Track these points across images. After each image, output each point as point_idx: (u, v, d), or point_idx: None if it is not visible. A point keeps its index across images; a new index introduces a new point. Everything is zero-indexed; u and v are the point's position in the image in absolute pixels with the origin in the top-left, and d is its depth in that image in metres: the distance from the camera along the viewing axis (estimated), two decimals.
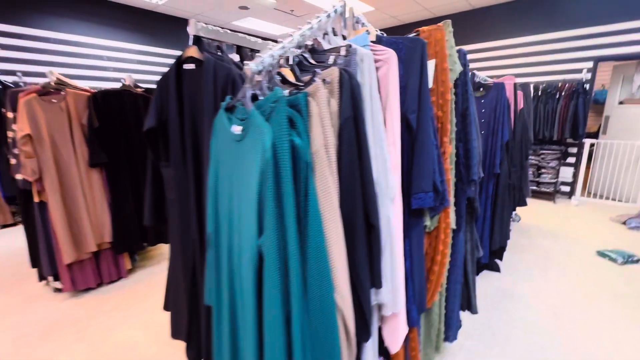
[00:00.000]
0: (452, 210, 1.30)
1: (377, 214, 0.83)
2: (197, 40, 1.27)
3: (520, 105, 2.83)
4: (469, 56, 5.63)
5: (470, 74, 2.58)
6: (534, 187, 4.81)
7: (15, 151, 2.16)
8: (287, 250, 0.73)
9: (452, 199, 1.31)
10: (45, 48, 4.37)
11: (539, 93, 4.54)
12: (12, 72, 4.06)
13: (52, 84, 2.22)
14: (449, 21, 1.32)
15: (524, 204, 3.53)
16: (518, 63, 5.03)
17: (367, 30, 0.99)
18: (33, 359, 1.76)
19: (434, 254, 1.27)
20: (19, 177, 2.16)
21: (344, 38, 1.10)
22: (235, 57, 1.42)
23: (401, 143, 1.07)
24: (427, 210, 1.17)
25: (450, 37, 1.31)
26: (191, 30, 1.24)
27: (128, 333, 1.98)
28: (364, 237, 0.83)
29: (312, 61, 0.94)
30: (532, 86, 4.49)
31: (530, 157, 4.76)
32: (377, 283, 0.88)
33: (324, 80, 0.80)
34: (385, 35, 1.20)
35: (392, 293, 0.97)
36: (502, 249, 2.69)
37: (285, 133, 0.71)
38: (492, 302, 2.24)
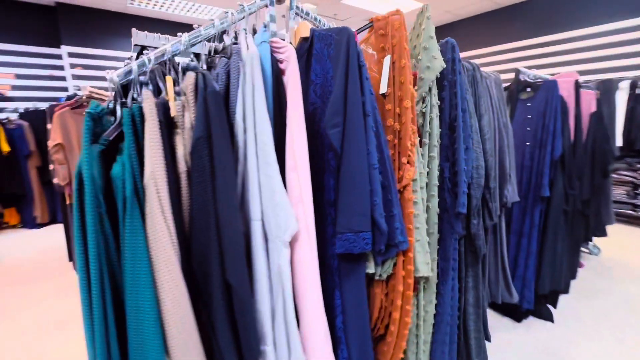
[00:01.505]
0: (422, 252, 0.98)
1: (237, 267, 0.62)
2: (143, 50, 1.21)
3: (591, 108, 2.19)
4: (541, 50, 4.76)
5: (517, 71, 2.08)
6: (629, 211, 3.78)
7: (53, 158, 2.44)
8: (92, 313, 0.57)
9: (422, 238, 0.99)
10: (120, 67, 5.00)
11: (636, 91, 3.55)
12: None
13: (85, 97, 2.45)
14: (427, 5, 1.02)
15: (603, 233, 2.77)
16: (604, 55, 4.03)
17: (264, 25, 0.78)
18: (39, 349, 1.92)
19: (392, 309, 0.97)
20: (55, 181, 2.43)
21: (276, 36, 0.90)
22: None
23: (329, 167, 0.83)
24: (372, 253, 0.89)
25: (429, 25, 1.00)
26: (134, 39, 1.18)
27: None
28: (222, 296, 0.63)
29: (202, 67, 0.77)
30: (628, 83, 3.54)
31: (622, 172, 3.76)
32: (249, 356, 0.66)
33: (177, 93, 0.63)
34: (328, 25, 0.97)
35: None
36: (556, 293, 2.10)
37: (86, 158, 0.55)
38: None
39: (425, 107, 1.03)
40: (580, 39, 4.23)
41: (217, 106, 0.61)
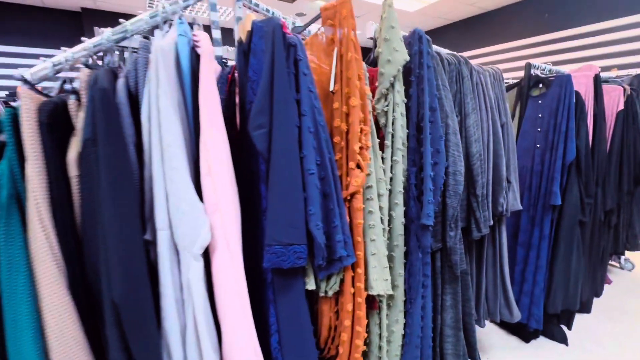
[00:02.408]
0: (379, 268, 0.88)
1: (119, 283, 0.56)
2: None
3: (618, 105, 1.94)
4: (586, 41, 4.29)
5: (528, 65, 1.87)
6: None
7: None
8: None
9: (379, 251, 0.88)
10: None
11: None
12: None
13: None
14: None
15: (636, 247, 2.47)
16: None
17: (180, 17, 0.72)
18: None
19: (341, 330, 0.88)
20: None
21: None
22: None
23: (261, 172, 0.76)
24: (311, 267, 0.80)
25: (390, 13, 0.90)
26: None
27: None
28: (112, 312, 0.57)
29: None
30: None
31: None
32: None
33: (72, 92, 0.58)
34: (278, 16, 0.89)
35: None
36: (570, 313, 1.88)
37: None
38: None
39: (387, 106, 0.92)
40: (620, 29, 3.81)
41: (104, 105, 0.56)
